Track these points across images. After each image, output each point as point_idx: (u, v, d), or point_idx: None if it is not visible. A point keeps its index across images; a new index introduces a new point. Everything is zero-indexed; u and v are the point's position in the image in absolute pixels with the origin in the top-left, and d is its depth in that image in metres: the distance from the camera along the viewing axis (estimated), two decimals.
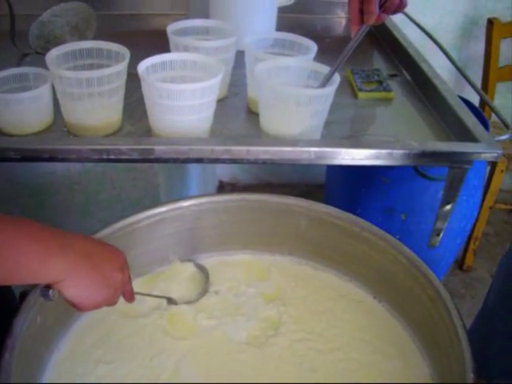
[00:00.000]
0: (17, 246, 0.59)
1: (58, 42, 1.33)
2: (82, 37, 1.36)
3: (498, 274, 1.13)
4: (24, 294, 0.78)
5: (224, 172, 2.19)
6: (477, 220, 1.80)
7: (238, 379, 0.79)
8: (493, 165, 1.72)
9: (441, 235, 1.11)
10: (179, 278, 0.91)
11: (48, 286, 0.65)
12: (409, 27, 1.49)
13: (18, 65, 1.26)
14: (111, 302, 0.71)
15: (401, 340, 0.83)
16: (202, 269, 0.93)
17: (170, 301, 0.88)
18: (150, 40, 1.26)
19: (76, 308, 0.68)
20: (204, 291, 0.90)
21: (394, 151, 0.97)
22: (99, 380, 0.78)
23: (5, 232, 0.60)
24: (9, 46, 1.30)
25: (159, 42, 1.16)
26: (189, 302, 0.88)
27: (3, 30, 1.31)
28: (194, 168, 1.47)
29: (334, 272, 0.93)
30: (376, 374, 0.79)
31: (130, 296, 0.76)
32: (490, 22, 1.73)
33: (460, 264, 1.93)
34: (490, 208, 1.79)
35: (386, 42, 1.44)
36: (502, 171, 1.71)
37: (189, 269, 0.92)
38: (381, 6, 0.92)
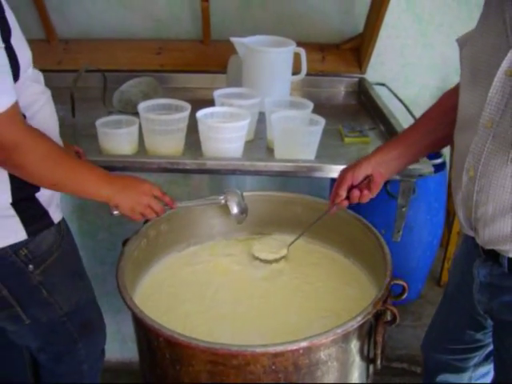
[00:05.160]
0: (83, 176, 1.18)
1: (133, 104, 1.95)
2: None
3: (453, 269, 1.49)
4: (126, 240, 1.33)
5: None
6: (448, 243, 2.31)
7: (255, 299, 1.32)
8: None
9: (400, 232, 1.63)
10: None
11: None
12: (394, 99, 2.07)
13: None
14: (147, 205, 1.26)
15: (358, 277, 1.36)
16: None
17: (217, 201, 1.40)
18: (197, 104, 1.85)
19: (127, 218, 1.25)
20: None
21: None
22: (169, 295, 1.32)
23: (76, 164, 1.19)
24: (98, 106, 1.92)
25: (204, 106, 1.74)
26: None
27: (95, 96, 1.95)
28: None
29: (319, 243, 1.47)
30: (342, 295, 1.31)
31: (170, 202, 1.30)
32: None
33: (438, 281, 2.43)
34: (458, 233, 2.29)
35: (370, 107, 2.03)
36: None
37: None
38: (348, 197, 1.30)
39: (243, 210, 1.43)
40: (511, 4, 0.99)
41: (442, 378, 1.49)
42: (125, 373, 2.03)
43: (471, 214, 1.12)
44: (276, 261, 1.41)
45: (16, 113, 1.06)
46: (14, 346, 1.44)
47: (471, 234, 1.17)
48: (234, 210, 1.41)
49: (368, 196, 1.30)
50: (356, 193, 1.29)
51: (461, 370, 1.45)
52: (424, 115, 1.32)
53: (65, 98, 1.79)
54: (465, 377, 1.46)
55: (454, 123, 1.18)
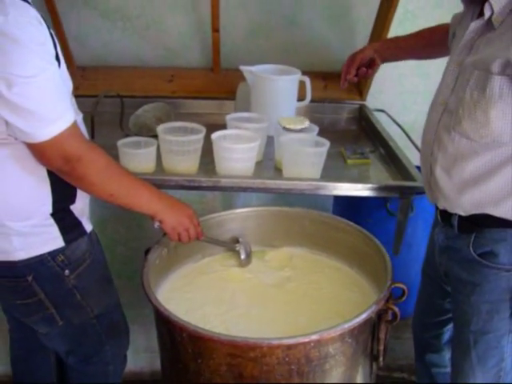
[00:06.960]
0: (137, 190, 1.33)
1: (147, 128, 2.12)
2: None
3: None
4: (148, 249, 1.48)
5: None
6: None
7: (267, 302, 1.46)
8: None
9: (400, 246, 1.78)
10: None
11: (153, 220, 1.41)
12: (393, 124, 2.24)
13: None
14: (186, 228, 1.42)
15: (361, 284, 1.51)
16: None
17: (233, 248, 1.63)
18: (208, 128, 2.01)
19: (169, 236, 1.41)
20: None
21: (367, 185, 1.68)
22: (187, 300, 1.46)
23: (131, 178, 1.34)
24: (115, 129, 2.09)
25: (214, 130, 1.90)
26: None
27: (110, 120, 2.12)
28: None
29: (324, 254, 1.63)
30: (346, 299, 1.46)
31: (200, 234, 1.47)
32: None
33: None
34: None
35: (370, 131, 2.20)
36: None
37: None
38: (356, 74, 1.86)
39: (248, 256, 1.66)
40: (461, 27, 1.41)
41: (427, 358, 1.72)
42: (137, 382, 2.16)
43: (429, 177, 1.42)
44: (302, 130, 1.78)
45: (78, 128, 1.23)
46: (42, 350, 1.58)
47: (430, 198, 1.49)
48: (242, 256, 1.65)
49: (371, 73, 1.88)
50: (363, 70, 1.85)
51: (439, 349, 1.67)
52: (418, 32, 1.79)
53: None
54: (445, 357, 1.64)
55: (437, 49, 1.68)
